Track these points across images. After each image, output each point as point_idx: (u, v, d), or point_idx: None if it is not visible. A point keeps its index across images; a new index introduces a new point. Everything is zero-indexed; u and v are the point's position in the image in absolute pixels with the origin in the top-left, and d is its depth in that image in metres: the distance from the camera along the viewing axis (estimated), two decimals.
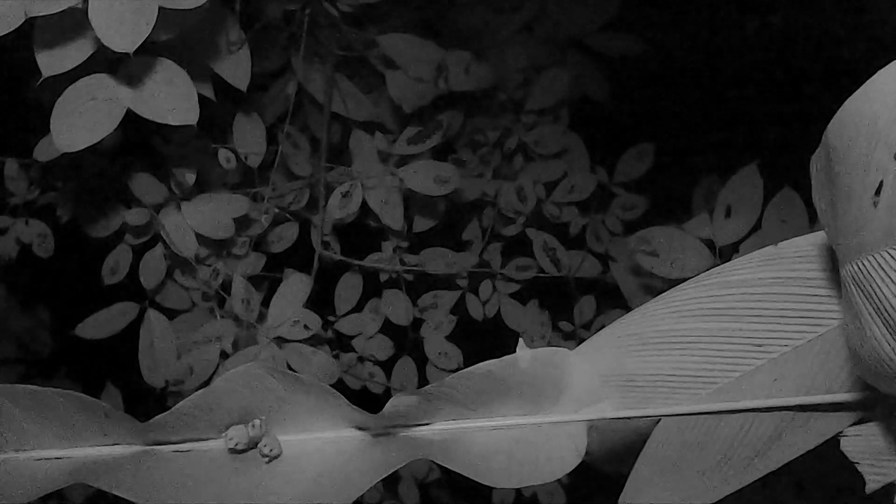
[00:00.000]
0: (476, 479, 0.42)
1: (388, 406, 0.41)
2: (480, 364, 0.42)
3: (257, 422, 0.40)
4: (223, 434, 0.41)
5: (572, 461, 0.42)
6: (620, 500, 0.45)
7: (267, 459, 0.41)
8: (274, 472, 0.41)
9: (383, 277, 0.98)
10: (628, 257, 0.93)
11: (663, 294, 0.43)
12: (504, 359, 0.42)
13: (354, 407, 0.41)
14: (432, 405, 0.42)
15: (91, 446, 0.39)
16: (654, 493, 0.44)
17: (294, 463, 0.41)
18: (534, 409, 0.42)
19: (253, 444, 0.41)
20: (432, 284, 1.00)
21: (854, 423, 0.44)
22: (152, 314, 0.92)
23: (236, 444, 0.40)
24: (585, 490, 1.04)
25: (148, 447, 0.40)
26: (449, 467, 0.41)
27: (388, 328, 0.98)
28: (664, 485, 0.44)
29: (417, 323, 0.99)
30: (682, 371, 0.43)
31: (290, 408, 0.41)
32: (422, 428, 0.42)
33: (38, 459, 0.39)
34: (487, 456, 0.41)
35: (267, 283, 0.95)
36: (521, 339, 0.43)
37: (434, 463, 1.08)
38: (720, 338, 0.42)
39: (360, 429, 0.41)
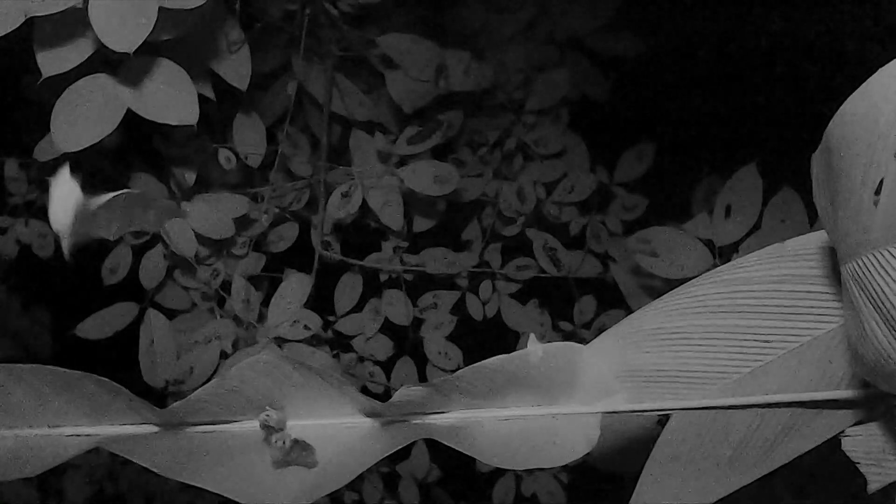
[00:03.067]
0: (484, 461, 0.43)
1: (397, 396, 0.42)
2: (491, 359, 0.42)
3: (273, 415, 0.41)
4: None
5: (582, 449, 0.42)
6: (633, 500, 0.45)
7: (280, 453, 0.42)
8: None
9: (383, 277, 0.98)
10: (628, 257, 0.93)
11: (672, 291, 0.44)
12: (515, 353, 0.42)
13: (367, 397, 0.42)
14: (445, 396, 0.42)
15: (120, 425, 0.41)
16: (668, 489, 0.44)
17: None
18: (547, 401, 0.43)
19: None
20: (432, 284, 1.00)
21: (855, 424, 0.44)
22: (152, 314, 0.92)
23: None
24: (585, 490, 1.04)
25: (173, 428, 0.42)
26: (458, 449, 0.42)
27: (388, 328, 0.98)
28: (677, 481, 0.44)
29: (417, 323, 0.99)
30: (692, 367, 0.43)
31: (306, 395, 0.42)
32: (435, 416, 0.43)
33: (70, 435, 0.41)
34: (498, 441, 0.42)
35: (267, 283, 0.95)
36: (531, 335, 0.43)
37: (434, 463, 1.08)
38: (729, 334, 0.43)
39: (373, 416, 0.42)
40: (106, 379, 0.41)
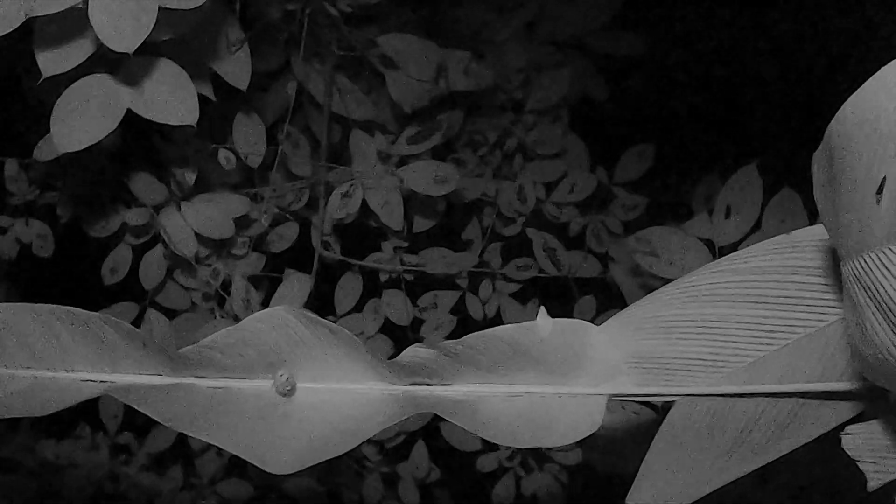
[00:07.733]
0: (487, 439, 0.43)
1: (406, 356, 0.42)
2: (499, 327, 0.42)
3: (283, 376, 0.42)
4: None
5: (586, 430, 0.43)
6: (633, 487, 0.45)
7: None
8: (292, 418, 0.42)
9: (383, 277, 0.98)
10: (628, 257, 0.93)
11: (681, 278, 0.44)
12: (524, 325, 0.43)
13: (378, 357, 0.42)
14: (453, 363, 0.42)
15: (134, 374, 0.42)
16: (669, 477, 0.45)
17: (313, 411, 0.42)
18: (555, 378, 0.43)
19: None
20: (432, 284, 1.00)
21: (856, 418, 0.44)
22: (152, 314, 0.92)
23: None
24: (585, 490, 1.04)
25: (185, 380, 0.42)
26: (460, 425, 0.42)
27: (388, 328, 0.97)
28: (679, 468, 0.45)
29: (417, 323, 0.99)
30: (698, 354, 0.44)
31: (316, 355, 0.42)
32: (442, 387, 0.43)
33: (85, 380, 0.42)
34: (502, 419, 0.42)
35: (267, 283, 0.95)
36: (542, 308, 0.43)
37: (434, 463, 1.07)
38: (735, 323, 0.43)
39: (382, 381, 0.42)
40: (123, 322, 0.42)
